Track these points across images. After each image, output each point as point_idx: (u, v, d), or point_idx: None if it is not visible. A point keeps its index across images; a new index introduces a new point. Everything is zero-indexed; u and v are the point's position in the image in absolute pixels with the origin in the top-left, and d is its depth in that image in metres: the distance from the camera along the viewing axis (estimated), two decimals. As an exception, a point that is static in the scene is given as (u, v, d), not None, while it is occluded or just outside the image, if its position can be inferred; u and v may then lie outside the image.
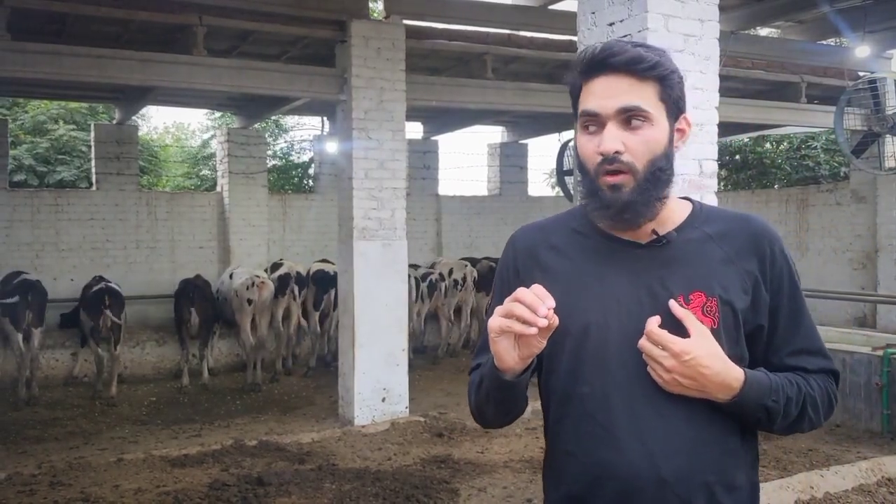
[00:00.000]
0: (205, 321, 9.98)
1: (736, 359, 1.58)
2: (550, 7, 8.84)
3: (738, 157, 17.88)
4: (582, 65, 1.62)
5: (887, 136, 9.33)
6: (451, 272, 11.67)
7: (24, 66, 7.12)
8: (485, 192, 15.29)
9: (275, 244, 12.83)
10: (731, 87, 10.79)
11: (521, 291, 1.48)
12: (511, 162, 15.01)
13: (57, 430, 7.94)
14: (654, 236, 1.62)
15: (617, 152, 1.55)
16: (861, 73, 10.40)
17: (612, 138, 1.55)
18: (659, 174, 1.57)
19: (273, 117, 16.34)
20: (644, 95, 1.56)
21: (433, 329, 12.03)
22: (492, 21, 8.84)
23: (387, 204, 7.87)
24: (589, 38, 4.40)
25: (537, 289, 1.49)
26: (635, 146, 1.56)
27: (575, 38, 4.56)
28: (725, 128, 9.39)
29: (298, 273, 10.66)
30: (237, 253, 12.24)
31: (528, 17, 8.85)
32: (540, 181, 20.20)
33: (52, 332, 10.02)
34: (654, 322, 1.54)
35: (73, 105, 15.51)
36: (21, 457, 6.94)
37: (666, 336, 1.52)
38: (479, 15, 8.64)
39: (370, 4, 8.25)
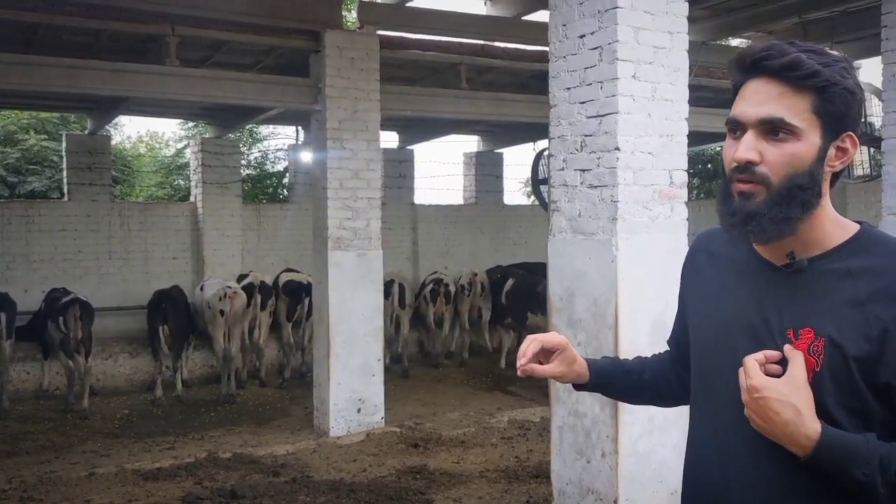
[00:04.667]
0: (178, 332, 9.89)
1: (851, 412, 1.41)
2: (524, 18, 8.90)
3: (710, 165, 18.06)
4: (738, 64, 1.50)
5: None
6: (458, 279, 11.95)
7: (-6, 77, 7.07)
8: (461, 201, 15.29)
9: (249, 254, 12.75)
10: (702, 97, 10.89)
11: (529, 337, 1.77)
12: (487, 171, 15.01)
13: (28, 444, 7.84)
14: (789, 260, 1.50)
15: (750, 162, 1.44)
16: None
17: (748, 148, 1.44)
18: (796, 192, 1.43)
19: (247, 127, 16.28)
20: (795, 106, 1.42)
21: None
22: (466, 31, 8.88)
23: (362, 213, 7.87)
24: (560, 49, 4.44)
25: (544, 338, 1.77)
26: (774, 159, 1.43)
27: (548, 49, 4.59)
28: (698, 137, 9.48)
29: (263, 283, 10.56)
30: (211, 263, 12.14)
31: (502, 27, 8.89)
32: (516, 190, 20.31)
33: (23, 345, 9.88)
34: (762, 353, 1.44)
35: (44, 115, 15.34)
36: (-10, 472, 6.85)
37: (751, 367, 1.42)
38: (453, 25, 8.67)
39: (344, 14, 8.27)
